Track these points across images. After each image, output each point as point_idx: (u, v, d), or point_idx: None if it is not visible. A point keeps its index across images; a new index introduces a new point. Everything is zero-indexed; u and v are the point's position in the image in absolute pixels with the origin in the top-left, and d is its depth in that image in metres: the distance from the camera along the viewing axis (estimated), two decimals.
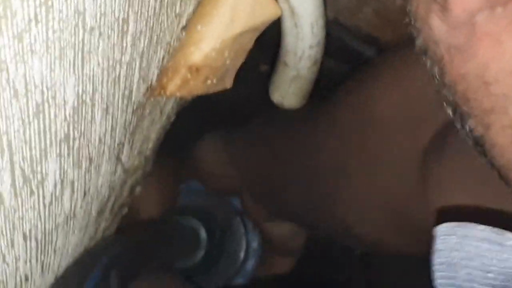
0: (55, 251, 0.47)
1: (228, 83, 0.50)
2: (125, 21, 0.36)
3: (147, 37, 0.41)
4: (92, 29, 0.33)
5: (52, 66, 0.31)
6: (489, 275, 0.36)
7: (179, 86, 0.47)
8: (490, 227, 0.37)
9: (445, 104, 0.34)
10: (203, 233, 0.82)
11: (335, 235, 0.72)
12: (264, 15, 0.48)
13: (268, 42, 0.52)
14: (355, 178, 0.61)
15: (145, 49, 0.42)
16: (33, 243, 0.42)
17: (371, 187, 0.59)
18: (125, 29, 0.37)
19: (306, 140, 0.68)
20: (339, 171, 0.63)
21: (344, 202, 0.63)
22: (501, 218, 0.42)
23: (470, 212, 0.46)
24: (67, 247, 0.50)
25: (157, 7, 0.40)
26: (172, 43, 0.46)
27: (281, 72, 0.57)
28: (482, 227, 0.37)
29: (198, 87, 0.47)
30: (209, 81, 0.48)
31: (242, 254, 0.86)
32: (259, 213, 0.85)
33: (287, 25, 0.51)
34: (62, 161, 0.38)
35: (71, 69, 0.33)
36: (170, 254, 0.75)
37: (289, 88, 0.59)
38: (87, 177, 0.44)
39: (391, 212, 0.57)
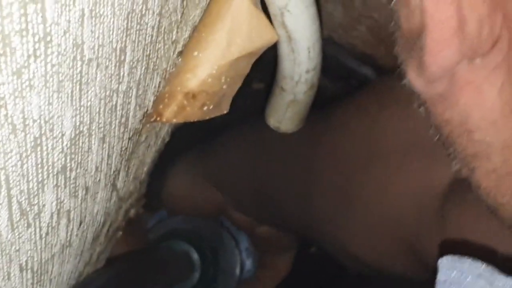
0: (50, 280, 0.46)
1: (225, 109, 0.50)
2: (123, 50, 0.36)
3: (144, 65, 0.40)
4: (90, 60, 0.33)
5: (50, 99, 0.31)
6: None
7: (176, 113, 0.46)
8: (485, 264, 0.37)
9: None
10: (194, 255, 0.81)
11: (332, 253, 0.72)
12: (260, 40, 0.47)
13: (262, 59, 0.52)
14: (359, 203, 0.60)
15: (141, 76, 0.41)
16: (29, 274, 0.41)
17: (379, 215, 0.58)
18: (122, 58, 0.37)
19: (303, 159, 0.67)
20: (340, 194, 0.62)
21: (346, 225, 0.62)
22: (503, 257, 0.42)
23: (475, 247, 0.46)
24: (63, 275, 0.49)
25: (154, 34, 0.40)
26: (168, 69, 0.46)
27: (277, 97, 0.57)
28: (479, 264, 0.37)
29: (194, 113, 0.47)
30: (205, 107, 0.47)
31: (237, 269, 0.86)
32: (247, 221, 0.84)
33: (284, 50, 0.51)
34: (59, 192, 0.38)
35: (69, 102, 0.33)
36: (164, 280, 0.74)
37: (285, 113, 0.58)
38: (83, 205, 0.44)
39: (401, 243, 0.57)
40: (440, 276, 0.38)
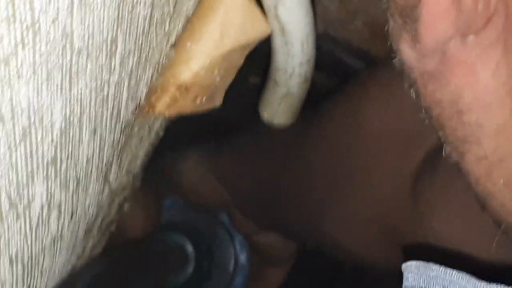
0: (41, 272, 0.46)
1: (218, 101, 0.49)
2: (114, 41, 0.36)
3: (136, 56, 0.40)
4: (80, 50, 0.32)
5: (39, 89, 0.30)
6: None
7: (168, 105, 0.46)
8: (456, 271, 0.36)
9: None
10: (189, 247, 0.81)
11: (324, 249, 0.72)
12: (254, 32, 0.47)
13: (258, 53, 0.52)
14: (343, 193, 0.60)
15: (133, 68, 0.41)
16: (20, 267, 0.41)
17: (360, 203, 0.59)
18: (113, 49, 0.36)
19: (295, 155, 0.67)
20: (328, 186, 0.62)
21: (332, 218, 0.62)
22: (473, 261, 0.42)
23: (440, 251, 0.45)
24: (54, 268, 0.49)
25: (146, 25, 0.39)
26: (161, 61, 0.46)
27: (271, 90, 0.57)
28: (449, 271, 0.36)
29: (187, 106, 0.47)
30: (198, 100, 0.47)
31: (232, 263, 0.86)
32: (248, 226, 0.84)
33: (277, 43, 0.51)
34: (49, 184, 0.38)
35: (59, 92, 0.32)
36: (158, 271, 0.74)
37: (279, 106, 0.58)
38: (74, 198, 0.44)
39: (380, 228, 0.57)
40: (406, 282, 0.37)
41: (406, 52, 0.31)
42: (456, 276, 0.36)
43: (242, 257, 0.87)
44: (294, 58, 0.52)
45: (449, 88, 0.30)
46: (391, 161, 0.55)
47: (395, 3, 0.30)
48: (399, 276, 0.38)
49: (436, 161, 0.50)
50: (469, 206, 0.43)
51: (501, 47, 0.29)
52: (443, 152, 0.33)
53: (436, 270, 0.37)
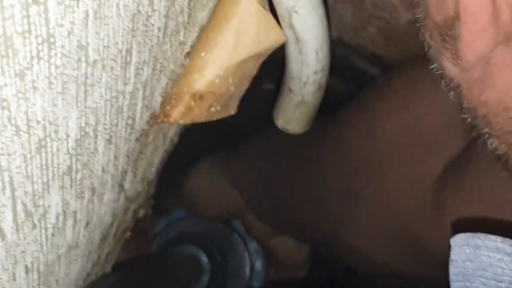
0: (57, 281, 0.46)
1: (233, 110, 0.49)
2: (129, 52, 0.36)
3: (150, 66, 0.40)
4: (95, 62, 0.32)
5: (55, 101, 0.30)
6: (502, 285, 0.36)
7: (183, 114, 0.46)
8: (501, 237, 0.37)
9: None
10: (204, 258, 0.81)
11: (340, 255, 0.72)
12: (268, 41, 0.47)
13: (272, 60, 0.52)
14: (364, 201, 0.60)
15: (148, 78, 0.41)
16: (35, 275, 0.41)
17: (381, 211, 0.58)
18: (128, 60, 0.36)
19: (311, 161, 0.67)
20: (346, 193, 0.62)
21: (352, 224, 0.62)
22: None
23: (485, 223, 0.45)
24: (70, 276, 0.49)
25: (161, 36, 0.40)
26: (175, 70, 0.46)
27: (285, 98, 0.57)
28: (493, 237, 0.37)
29: (202, 114, 0.47)
30: (213, 108, 0.47)
31: (247, 270, 0.86)
32: (263, 231, 0.84)
33: (292, 51, 0.51)
34: (65, 193, 0.38)
35: (74, 103, 0.33)
36: (174, 285, 0.74)
37: (293, 114, 0.58)
38: (89, 207, 0.44)
39: (403, 237, 0.57)
40: (453, 255, 0.38)
41: (449, 67, 0.32)
42: (502, 242, 0.37)
43: (258, 264, 0.87)
44: (308, 67, 0.52)
45: (495, 90, 0.31)
46: (410, 170, 0.55)
47: (433, 22, 0.31)
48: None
49: (461, 170, 0.50)
50: (496, 215, 0.43)
51: None
52: (488, 146, 0.34)
53: (482, 239, 0.37)
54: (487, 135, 0.33)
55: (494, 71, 0.31)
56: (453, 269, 0.38)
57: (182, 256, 0.80)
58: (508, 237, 0.38)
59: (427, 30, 0.32)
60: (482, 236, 0.38)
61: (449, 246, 0.39)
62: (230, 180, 0.81)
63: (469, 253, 0.37)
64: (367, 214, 0.60)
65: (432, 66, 0.33)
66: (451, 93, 0.33)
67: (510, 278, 0.36)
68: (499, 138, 0.33)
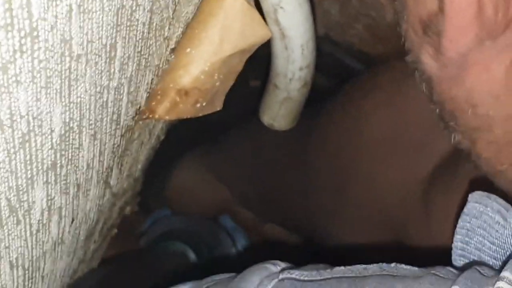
0: (43, 277, 0.46)
1: (218, 106, 0.49)
2: (113, 46, 0.36)
3: (135, 61, 0.40)
4: (79, 56, 0.32)
5: (38, 95, 0.30)
6: (493, 247, 0.37)
7: (168, 110, 0.46)
8: (505, 202, 0.37)
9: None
10: (191, 254, 0.81)
11: (332, 249, 0.72)
12: (254, 37, 0.47)
13: (259, 56, 0.52)
14: (352, 197, 0.61)
15: (133, 73, 0.41)
16: (20, 271, 0.41)
17: (370, 208, 0.59)
18: (112, 54, 0.36)
19: (298, 157, 0.68)
20: (334, 189, 0.62)
21: (341, 220, 0.63)
22: None
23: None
24: (55, 272, 0.49)
25: (146, 31, 0.40)
26: (161, 66, 0.46)
27: (271, 94, 0.57)
28: (502, 201, 0.37)
29: (187, 110, 0.47)
30: (198, 104, 0.47)
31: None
32: (253, 220, 0.84)
33: (277, 48, 0.51)
34: (49, 189, 0.38)
35: (58, 98, 0.32)
36: (160, 279, 0.74)
37: (279, 110, 0.58)
38: (75, 202, 0.44)
39: (387, 230, 0.57)
40: (466, 209, 0.38)
41: (428, 62, 0.32)
42: (504, 206, 0.38)
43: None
44: (294, 63, 0.52)
45: (464, 86, 0.32)
46: (398, 168, 0.55)
47: (416, 16, 0.31)
48: None
49: (450, 169, 0.50)
50: None
51: None
52: (452, 140, 0.35)
53: (492, 199, 0.38)
54: (451, 129, 0.34)
55: (465, 69, 0.31)
56: (461, 222, 0.39)
57: (169, 253, 0.80)
58: None
59: (406, 23, 0.32)
60: (493, 197, 0.38)
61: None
62: (216, 175, 0.81)
63: (478, 210, 0.38)
64: (356, 210, 0.60)
65: (407, 57, 0.34)
66: (423, 84, 0.34)
67: (500, 242, 0.36)
68: (463, 134, 0.34)
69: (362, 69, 0.80)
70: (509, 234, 0.36)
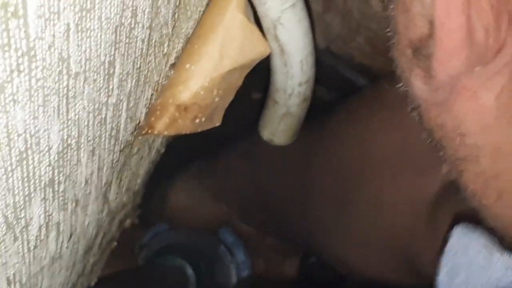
0: None
1: (217, 121, 0.49)
2: (111, 64, 0.36)
3: (134, 77, 0.40)
4: (77, 74, 0.32)
5: (36, 113, 0.30)
6: (478, 283, 0.36)
7: (167, 125, 0.46)
8: (491, 236, 0.37)
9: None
10: (189, 270, 0.81)
11: (331, 264, 0.72)
12: (253, 53, 0.47)
13: (261, 69, 0.52)
14: (355, 216, 0.60)
15: (132, 89, 0.41)
16: (18, 287, 0.41)
17: (374, 227, 0.58)
18: (111, 71, 0.36)
19: (298, 171, 0.67)
20: (336, 205, 0.62)
21: (343, 237, 0.62)
22: None
23: None
24: (54, 287, 0.49)
25: (145, 48, 0.40)
26: (160, 82, 0.46)
27: (270, 109, 0.57)
28: (486, 235, 0.37)
29: (186, 126, 0.47)
30: (197, 120, 0.47)
31: (234, 281, 0.86)
32: (254, 234, 0.84)
33: (277, 63, 0.51)
34: (47, 205, 0.38)
35: (56, 115, 0.32)
36: None
37: (279, 126, 0.58)
38: (73, 218, 0.44)
39: (396, 253, 0.57)
40: (449, 244, 0.38)
41: (417, 85, 0.32)
42: (490, 241, 0.38)
43: (244, 274, 0.87)
44: (293, 79, 0.52)
45: (452, 113, 0.31)
46: (404, 188, 0.55)
47: (407, 39, 0.31)
48: None
49: (457, 190, 0.50)
50: None
51: (508, 73, 0.30)
52: (442, 169, 0.34)
53: (478, 233, 0.38)
54: (442, 159, 0.34)
55: (453, 95, 0.31)
56: (445, 258, 0.38)
57: (167, 268, 0.80)
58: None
59: (398, 48, 0.32)
60: (478, 230, 0.38)
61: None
62: (213, 193, 0.81)
63: (462, 244, 0.38)
64: (358, 226, 0.60)
65: (399, 85, 0.33)
66: (414, 113, 0.34)
67: (485, 280, 0.36)
68: (450, 164, 0.33)
69: (363, 82, 0.80)
70: (494, 271, 0.36)
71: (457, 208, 0.50)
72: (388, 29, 0.32)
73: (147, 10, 0.37)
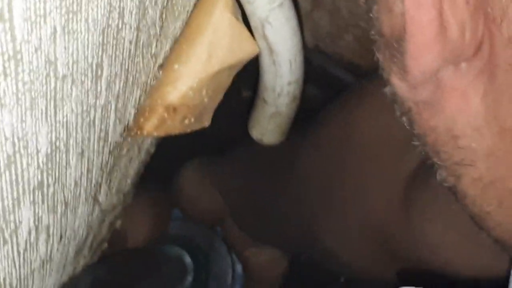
0: None
1: (206, 122, 0.49)
2: (99, 66, 0.36)
3: (122, 79, 0.40)
4: (64, 77, 0.32)
5: (23, 117, 0.30)
6: None
7: (156, 126, 0.46)
8: None
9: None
10: (187, 258, 0.83)
11: (319, 261, 0.72)
12: (242, 52, 0.47)
13: (251, 67, 0.52)
14: (337, 204, 0.60)
15: (120, 91, 0.41)
16: None
17: (353, 213, 0.59)
18: (99, 73, 0.36)
19: (288, 167, 0.68)
20: (322, 197, 0.62)
21: (327, 228, 0.62)
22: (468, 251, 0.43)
23: (442, 243, 0.46)
24: None
25: (132, 49, 0.39)
26: (149, 82, 0.46)
27: (260, 109, 0.57)
28: None
29: (175, 126, 0.47)
30: (186, 121, 0.47)
31: (230, 273, 0.87)
32: (241, 240, 0.85)
33: (266, 63, 0.51)
34: (36, 208, 0.38)
35: (43, 118, 0.32)
36: (156, 283, 0.75)
37: (268, 125, 0.58)
38: (63, 220, 0.43)
39: (374, 237, 0.57)
40: None
41: (397, 83, 0.31)
42: None
43: (239, 267, 0.88)
44: (282, 78, 0.52)
45: (444, 115, 0.31)
46: (383, 168, 0.55)
47: (382, 37, 0.31)
48: None
49: (429, 169, 0.50)
50: (461, 215, 0.44)
51: (487, 74, 0.30)
52: (437, 178, 0.33)
53: None
54: (436, 165, 0.33)
55: (443, 95, 0.30)
56: None
57: (166, 256, 0.82)
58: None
59: (377, 45, 0.31)
60: None
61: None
62: (214, 185, 0.82)
63: None
64: (343, 217, 0.60)
65: (386, 89, 0.33)
66: (404, 118, 0.33)
67: None
68: (447, 169, 0.32)
69: (352, 80, 0.80)
70: None
71: (427, 183, 0.50)
72: (372, 31, 0.32)
73: (134, 11, 0.36)
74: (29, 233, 0.39)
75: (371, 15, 0.32)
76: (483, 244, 0.40)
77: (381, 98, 0.57)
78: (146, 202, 0.78)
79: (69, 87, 0.33)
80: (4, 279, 0.39)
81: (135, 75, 0.42)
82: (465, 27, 0.28)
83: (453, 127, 0.31)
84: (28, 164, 0.33)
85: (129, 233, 0.77)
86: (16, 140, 0.31)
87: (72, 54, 0.32)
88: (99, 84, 0.37)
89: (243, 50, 0.47)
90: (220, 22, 0.46)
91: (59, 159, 0.37)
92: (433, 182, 0.49)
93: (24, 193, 0.35)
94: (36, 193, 0.36)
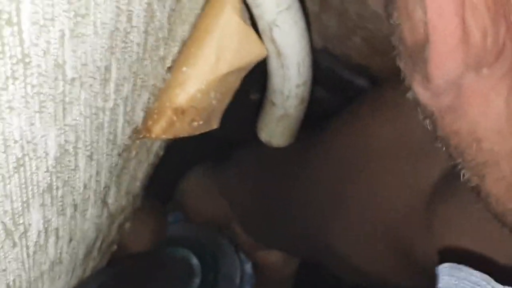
0: None
1: (215, 124, 0.49)
2: (107, 69, 0.36)
3: (131, 82, 0.40)
4: (73, 80, 0.32)
5: (32, 120, 0.30)
6: None
7: (165, 129, 0.46)
8: (481, 273, 0.37)
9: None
10: (195, 260, 0.82)
11: (329, 266, 0.72)
12: (250, 55, 0.47)
13: (259, 70, 0.52)
14: (352, 209, 0.60)
15: (129, 93, 0.41)
16: None
17: (370, 219, 0.58)
18: (107, 76, 0.36)
19: (299, 172, 0.67)
20: (334, 202, 0.62)
21: (342, 234, 0.62)
22: (498, 265, 0.42)
23: (470, 255, 0.46)
24: None
25: (141, 52, 0.40)
26: (157, 85, 0.46)
27: (268, 111, 0.57)
28: (475, 272, 0.37)
29: (184, 129, 0.47)
30: (195, 123, 0.47)
31: (238, 274, 0.87)
32: (250, 243, 0.85)
33: (274, 65, 0.51)
34: (46, 211, 0.38)
35: (52, 121, 0.32)
36: (164, 285, 0.75)
37: (276, 127, 0.58)
38: (72, 223, 0.44)
39: (393, 245, 0.57)
40: (441, 283, 0.38)
41: (420, 91, 0.32)
42: (480, 277, 0.37)
43: (248, 267, 0.88)
44: (290, 81, 0.52)
45: (467, 119, 0.31)
46: (402, 178, 0.55)
47: (405, 45, 0.31)
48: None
49: (453, 179, 0.50)
50: (486, 226, 0.44)
51: (509, 78, 0.30)
52: (461, 178, 0.34)
53: (465, 271, 0.38)
54: (460, 166, 0.33)
55: (465, 100, 0.30)
56: None
57: (174, 258, 0.82)
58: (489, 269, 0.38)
59: (401, 55, 0.32)
60: (465, 269, 0.38)
61: (436, 271, 0.40)
62: (220, 190, 0.82)
63: (454, 284, 0.38)
64: (357, 223, 0.60)
65: (408, 94, 0.33)
66: (427, 121, 0.33)
67: None
68: (471, 170, 0.33)
69: (361, 82, 0.80)
70: None
71: (449, 196, 0.50)
72: (394, 38, 0.32)
73: (142, 15, 0.37)
74: (39, 235, 0.39)
75: (391, 21, 0.32)
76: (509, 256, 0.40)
77: (398, 106, 0.57)
78: (143, 212, 0.78)
79: (77, 90, 0.34)
80: (14, 281, 0.39)
81: (144, 78, 0.42)
82: (487, 33, 0.29)
83: (476, 130, 0.31)
84: (37, 167, 0.34)
85: (130, 244, 0.77)
86: (25, 143, 0.31)
87: (81, 57, 0.32)
88: (107, 87, 0.37)
89: (251, 53, 0.47)
90: (228, 25, 0.46)
91: (68, 162, 0.37)
92: (458, 193, 0.49)
93: (33, 196, 0.35)
94: (45, 196, 0.37)
